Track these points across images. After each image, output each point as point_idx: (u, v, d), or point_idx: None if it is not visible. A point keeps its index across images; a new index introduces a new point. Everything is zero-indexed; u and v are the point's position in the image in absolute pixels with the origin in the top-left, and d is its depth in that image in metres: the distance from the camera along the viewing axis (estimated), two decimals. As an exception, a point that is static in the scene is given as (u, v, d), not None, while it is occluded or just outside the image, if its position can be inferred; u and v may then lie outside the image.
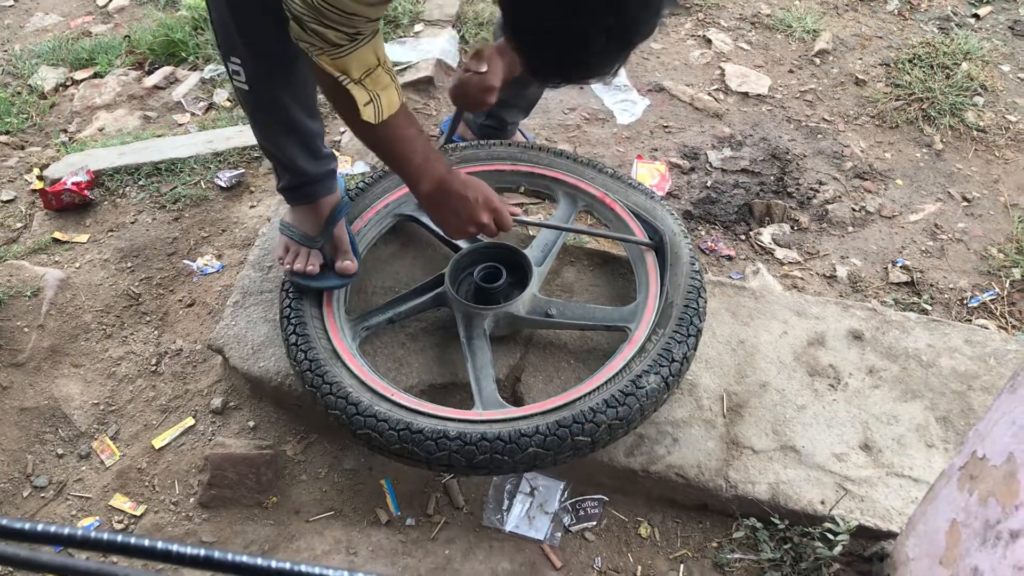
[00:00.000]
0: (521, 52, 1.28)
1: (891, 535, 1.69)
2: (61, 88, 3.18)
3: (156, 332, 2.22)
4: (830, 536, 1.66)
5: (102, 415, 2.06)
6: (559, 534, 1.78)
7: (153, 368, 2.14)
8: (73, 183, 2.53)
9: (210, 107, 3.01)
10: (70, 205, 2.55)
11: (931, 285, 2.38)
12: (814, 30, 3.26)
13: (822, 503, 1.72)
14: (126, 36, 3.34)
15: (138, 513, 1.87)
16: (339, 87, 1.54)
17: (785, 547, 1.70)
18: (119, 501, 1.89)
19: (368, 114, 1.57)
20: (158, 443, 1.98)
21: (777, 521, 1.72)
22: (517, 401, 1.85)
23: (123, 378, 2.13)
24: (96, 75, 3.19)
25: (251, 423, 1.99)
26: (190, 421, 2.02)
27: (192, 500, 1.88)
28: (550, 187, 2.11)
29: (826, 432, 1.83)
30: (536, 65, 1.30)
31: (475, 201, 1.71)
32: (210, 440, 1.97)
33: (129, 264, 2.36)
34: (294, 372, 1.79)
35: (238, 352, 1.98)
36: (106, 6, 3.66)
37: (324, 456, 1.93)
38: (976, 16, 3.34)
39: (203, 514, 1.86)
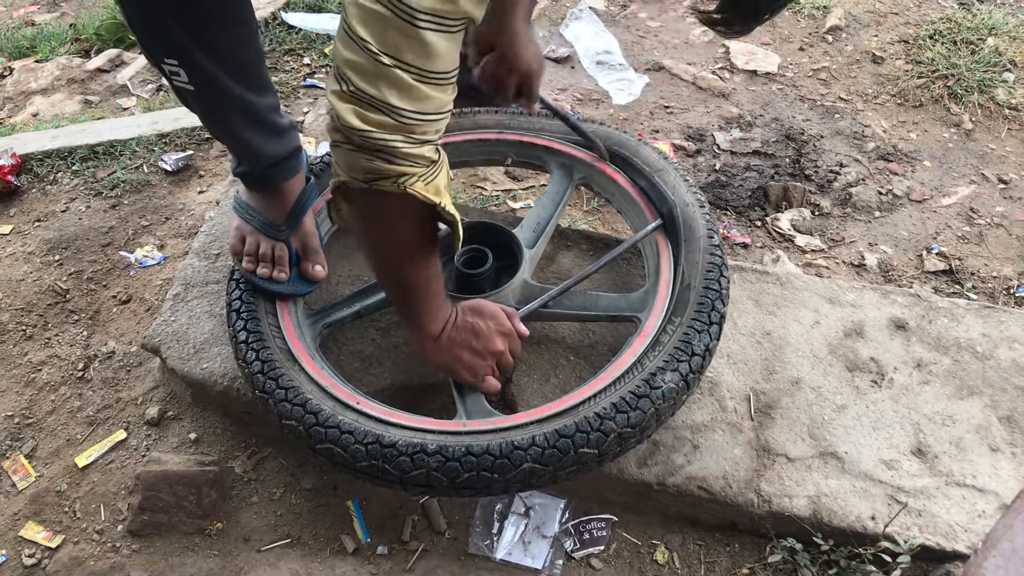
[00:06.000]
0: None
1: (957, 556, 1.48)
2: (-4, 78, 2.92)
3: (85, 333, 1.95)
4: (886, 558, 1.45)
5: (16, 429, 1.79)
6: (560, 561, 1.58)
7: (80, 374, 1.87)
8: (-5, 168, 2.25)
9: (159, 89, 2.75)
10: (-8, 193, 2.27)
11: (972, 273, 2.16)
12: (824, 6, 3.09)
13: (872, 519, 1.51)
14: (72, 24, 3.09)
15: (54, 545, 1.61)
16: (423, 223, 1.30)
17: (830, 572, 1.49)
18: (31, 531, 1.62)
19: (458, 246, 1.36)
20: (82, 461, 1.72)
21: (820, 541, 1.51)
22: (508, 406, 1.63)
23: (44, 386, 1.86)
24: (36, 62, 2.93)
25: (192, 435, 1.74)
26: (121, 434, 1.76)
27: (120, 528, 1.63)
28: (542, 158, 1.88)
29: (872, 435, 1.62)
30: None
31: (488, 328, 1.49)
32: (144, 456, 1.72)
33: (57, 257, 2.09)
34: (243, 375, 1.56)
35: (177, 352, 1.72)
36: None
37: (279, 474, 1.70)
38: (999, -8, 3.15)
39: (133, 544, 1.60)
